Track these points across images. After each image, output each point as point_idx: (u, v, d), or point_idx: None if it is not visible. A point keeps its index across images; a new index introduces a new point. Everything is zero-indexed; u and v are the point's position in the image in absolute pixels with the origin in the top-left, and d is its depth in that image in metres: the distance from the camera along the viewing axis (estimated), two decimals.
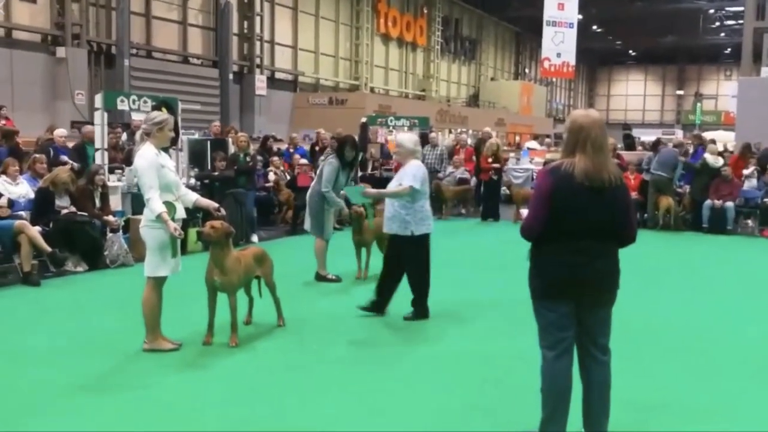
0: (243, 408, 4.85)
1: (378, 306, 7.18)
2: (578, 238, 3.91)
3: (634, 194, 14.94)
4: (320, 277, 8.93)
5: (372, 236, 9.05)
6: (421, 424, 4.66)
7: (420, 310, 7.15)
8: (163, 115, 6.10)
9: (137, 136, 6.04)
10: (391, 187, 7.26)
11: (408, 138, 7.41)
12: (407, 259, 7.13)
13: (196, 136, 15.06)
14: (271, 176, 14.17)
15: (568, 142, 3.92)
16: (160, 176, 5.77)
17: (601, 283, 4.02)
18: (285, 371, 5.63)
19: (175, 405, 4.90)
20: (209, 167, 12.60)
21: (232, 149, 13.13)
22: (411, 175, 7.02)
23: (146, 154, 5.77)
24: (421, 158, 7.47)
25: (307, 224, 9.05)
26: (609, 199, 3.93)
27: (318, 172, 9.20)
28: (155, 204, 5.68)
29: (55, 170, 9.77)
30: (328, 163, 8.80)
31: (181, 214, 5.98)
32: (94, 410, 4.79)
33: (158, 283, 5.98)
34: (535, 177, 17.95)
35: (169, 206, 5.80)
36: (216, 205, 6.31)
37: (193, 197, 6.26)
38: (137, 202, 11.02)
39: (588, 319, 4.05)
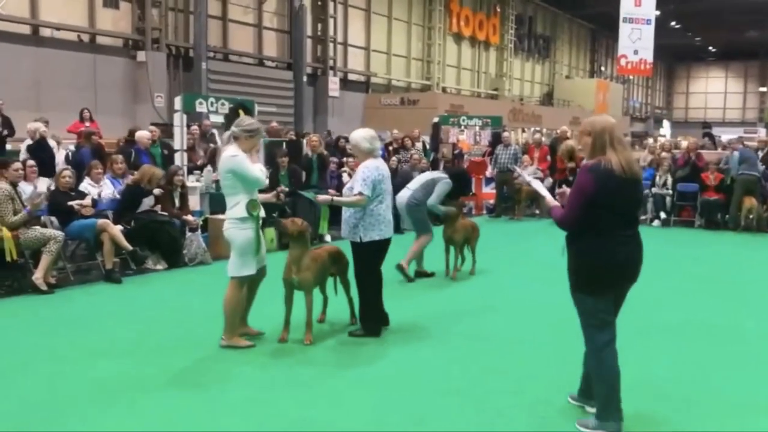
0: (309, 408, 4.91)
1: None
2: (622, 228, 4.35)
3: (714, 195, 14.54)
4: (415, 273, 9.12)
5: (462, 235, 9.15)
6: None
7: (367, 326, 6.52)
8: (255, 123, 6.17)
9: (224, 136, 6.18)
10: (346, 191, 6.73)
11: (361, 136, 6.49)
12: (356, 266, 6.53)
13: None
14: (345, 177, 14.28)
15: (596, 143, 4.31)
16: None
17: (638, 268, 4.46)
18: (355, 371, 5.68)
19: (249, 401, 4.99)
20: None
21: (306, 151, 13.30)
22: (360, 180, 6.32)
23: (236, 152, 5.93)
24: (379, 155, 6.61)
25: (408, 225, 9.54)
26: (638, 190, 4.50)
27: (424, 182, 9.29)
28: (260, 172, 6.01)
29: (145, 167, 10.03)
30: (445, 183, 9.13)
31: (262, 212, 6.17)
32: (174, 403, 4.92)
33: (241, 282, 6.12)
34: None
35: (254, 203, 5.98)
36: (273, 195, 6.63)
37: None
38: (215, 202, 11.28)
39: (619, 302, 4.51)
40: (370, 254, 6.44)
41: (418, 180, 9.35)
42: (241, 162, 5.89)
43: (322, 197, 6.87)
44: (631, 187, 4.33)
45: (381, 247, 6.47)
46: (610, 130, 4.30)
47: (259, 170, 6.05)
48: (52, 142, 12.72)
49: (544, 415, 4.77)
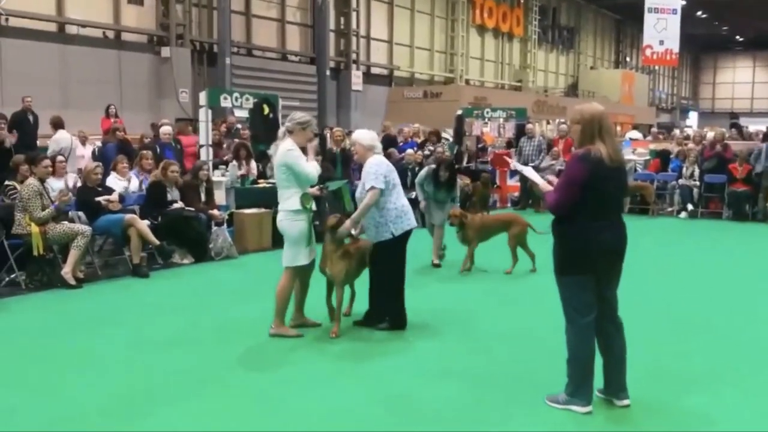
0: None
1: (369, 318, 6.69)
2: (610, 214, 4.53)
3: (742, 186, 14.37)
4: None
5: (475, 233, 9.06)
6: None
7: (395, 320, 6.52)
8: (306, 116, 6.43)
9: (279, 132, 6.41)
10: (358, 194, 6.56)
11: (362, 134, 6.64)
12: (384, 263, 6.46)
13: None
14: None
15: (585, 132, 4.44)
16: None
17: (623, 251, 4.59)
18: (378, 364, 5.69)
19: (264, 395, 5.02)
20: None
21: (330, 145, 13.34)
22: (371, 174, 6.30)
23: (293, 146, 6.17)
24: (381, 152, 6.62)
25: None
26: (624, 177, 4.72)
27: None
28: (313, 169, 6.21)
29: (165, 165, 10.06)
30: (426, 166, 9.39)
31: (313, 205, 6.38)
32: (218, 397, 4.95)
33: (296, 272, 6.32)
34: (637, 167, 17.48)
35: (307, 197, 6.21)
36: (317, 189, 6.85)
37: None
38: (240, 196, 11.35)
39: (610, 288, 4.61)
40: (402, 245, 6.48)
41: None
42: (297, 158, 6.13)
43: (346, 226, 6.38)
44: (618, 174, 4.52)
45: (409, 235, 6.53)
46: (599, 119, 4.44)
47: (312, 167, 6.25)
48: (66, 133, 12.81)
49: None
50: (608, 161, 4.37)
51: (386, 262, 6.47)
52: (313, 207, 6.34)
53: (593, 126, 4.42)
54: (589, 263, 4.47)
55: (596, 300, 4.54)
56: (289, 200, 6.19)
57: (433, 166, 9.70)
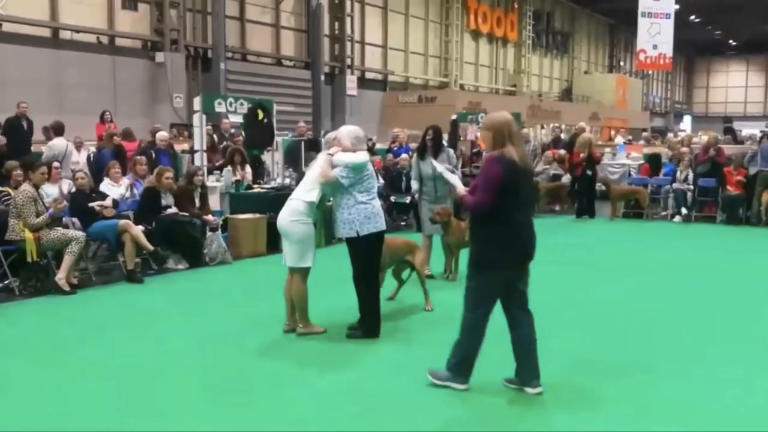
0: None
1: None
2: (523, 213, 4.89)
3: (736, 190, 14.39)
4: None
5: (457, 239, 8.82)
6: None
7: (366, 327, 6.40)
8: (334, 132, 6.86)
9: (319, 155, 6.63)
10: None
11: (346, 133, 6.50)
12: (353, 263, 6.42)
13: (289, 136, 15.34)
14: None
15: (497, 137, 4.78)
16: None
17: (535, 248, 4.90)
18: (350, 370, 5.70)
19: (255, 398, 5.02)
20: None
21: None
22: (343, 170, 6.26)
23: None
24: (364, 149, 6.52)
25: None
26: (532, 181, 5.16)
27: None
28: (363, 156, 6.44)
29: (159, 171, 10.04)
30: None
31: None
32: (212, 408, 4.94)
33: (306, 272, 6.42)
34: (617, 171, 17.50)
35: (324, 199, 6.52)
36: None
37: None
38: (235, 202, 11.34)
39: (523, 281, 4.92)
40: (369, 248, 6.34)
41: None
42: (346, 155, 6.36)
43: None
44: (528, 177, 5.00)
45: (379, 239, 6.42)
46: (507, 126, 4.80)
47: (360, 155, 6.51)
48: (62, 139, 12.79)
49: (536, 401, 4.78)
50: (520, 164, 4.72)
51: (354, 261, 6.40)
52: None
53: (503, 132, 4.76)
54: (512, 259, 4.81)
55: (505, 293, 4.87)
56: (310, 192, 6.36)
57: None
